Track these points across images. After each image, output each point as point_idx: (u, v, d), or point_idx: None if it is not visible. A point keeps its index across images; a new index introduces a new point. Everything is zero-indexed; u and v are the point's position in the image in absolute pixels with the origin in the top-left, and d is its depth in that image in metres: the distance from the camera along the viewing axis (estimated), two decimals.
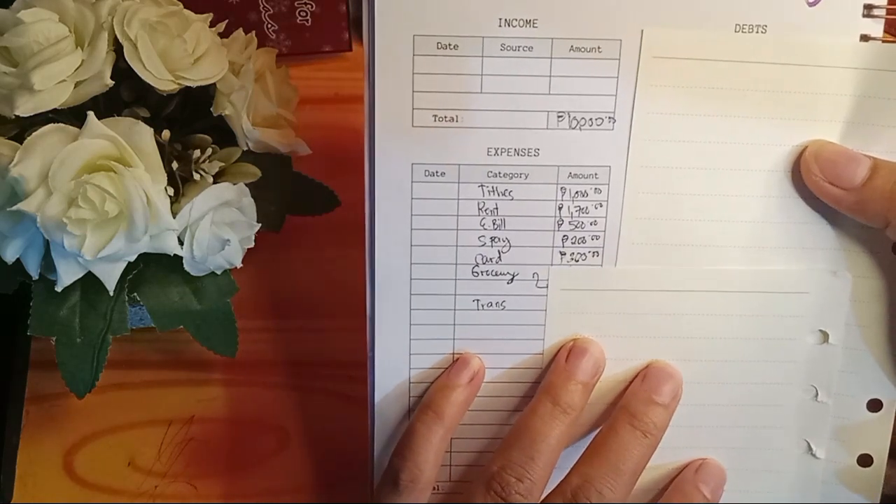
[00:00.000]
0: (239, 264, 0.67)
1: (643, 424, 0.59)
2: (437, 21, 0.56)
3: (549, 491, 0.60)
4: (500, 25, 0.56)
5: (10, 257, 0.61)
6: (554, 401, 0.59)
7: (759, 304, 0.61)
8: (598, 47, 0.56)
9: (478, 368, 0.62)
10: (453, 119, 0.57)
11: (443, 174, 0.58)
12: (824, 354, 0.62)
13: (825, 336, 0.62)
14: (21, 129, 0.61)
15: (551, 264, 0.60)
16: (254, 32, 0.71)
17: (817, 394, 0.62)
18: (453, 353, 0.62)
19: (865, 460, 0.63)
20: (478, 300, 0.61)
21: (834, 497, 0.64)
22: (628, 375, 0.63)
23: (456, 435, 0.63)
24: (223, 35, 0.68)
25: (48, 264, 0.62)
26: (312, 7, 0.84)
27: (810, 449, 0.63)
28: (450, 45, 0.56)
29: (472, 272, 0.60)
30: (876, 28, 0.57)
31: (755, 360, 0.62)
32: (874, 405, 0.62)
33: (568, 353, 0.61)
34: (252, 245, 0.68)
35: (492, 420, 0.63)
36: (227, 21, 0.69)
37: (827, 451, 0.64)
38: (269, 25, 0.85)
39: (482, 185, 0.59)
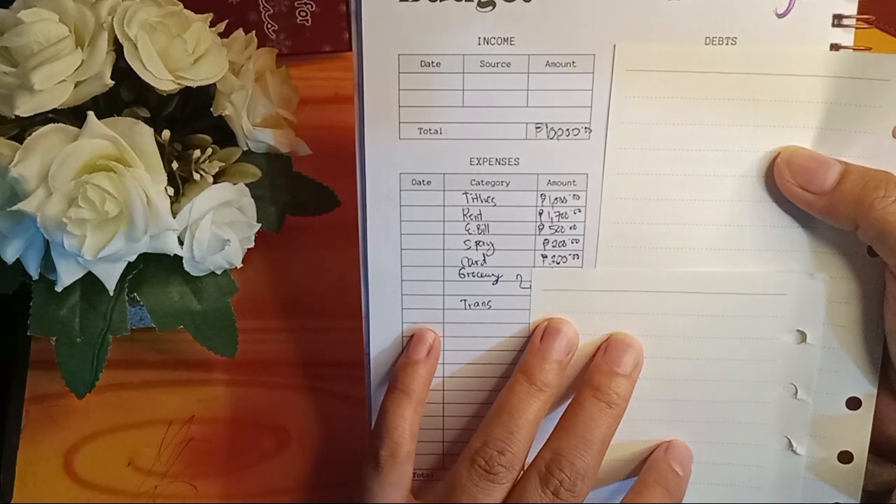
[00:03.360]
0: (239, 264, 0.73)
1: (607, 396, 0.67)
2: (420, 41, 0.64)
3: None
4: (479, 44, 0.65)
5: (10, 257, 0.67)
6: (530, 380, 0.68)
7: (738, 305, 0.69)
8: (573, 62, 0.65)
9: (433, 340, 0.70)
10: (437, 131, 0.66)
11: (429, 183, 0.67)
12: (803, 353, 0.69)
13: (803, 336, 0.69)
14: (21, 129, 0.66)
15: (534, 266, 0.69)
16: (254, 32, 0.77)
17: (797, 392, 0.70)
18: (443, 352, 0.71)
19: (846, 457, 0.70)
20: (465, 300, 0.70)
21: (815, 492, 0.71)
22: None
23: (447, 426, 0.73)
24: (223, 35, 0.75)
25: (48, 264, 0.68)
26: (312, 7, 0.91)
27: (791, 445, 0.71)
28: (433, 62, 0.65)
29: (459, 274, 0.69)
30: (846, 37, 0.64)
31: (735, 358, 0.70)
32: (853, 403, 0.69)
33: (542, 334, 0.69)
34: (252, 245, 0.74)
35: (481, 413, 0.71)
36: (227, 21, 0.76)
37: (807, 448, 0.70)
38: (269, 25, 0.92)
39: (466, 193, 0.68)
